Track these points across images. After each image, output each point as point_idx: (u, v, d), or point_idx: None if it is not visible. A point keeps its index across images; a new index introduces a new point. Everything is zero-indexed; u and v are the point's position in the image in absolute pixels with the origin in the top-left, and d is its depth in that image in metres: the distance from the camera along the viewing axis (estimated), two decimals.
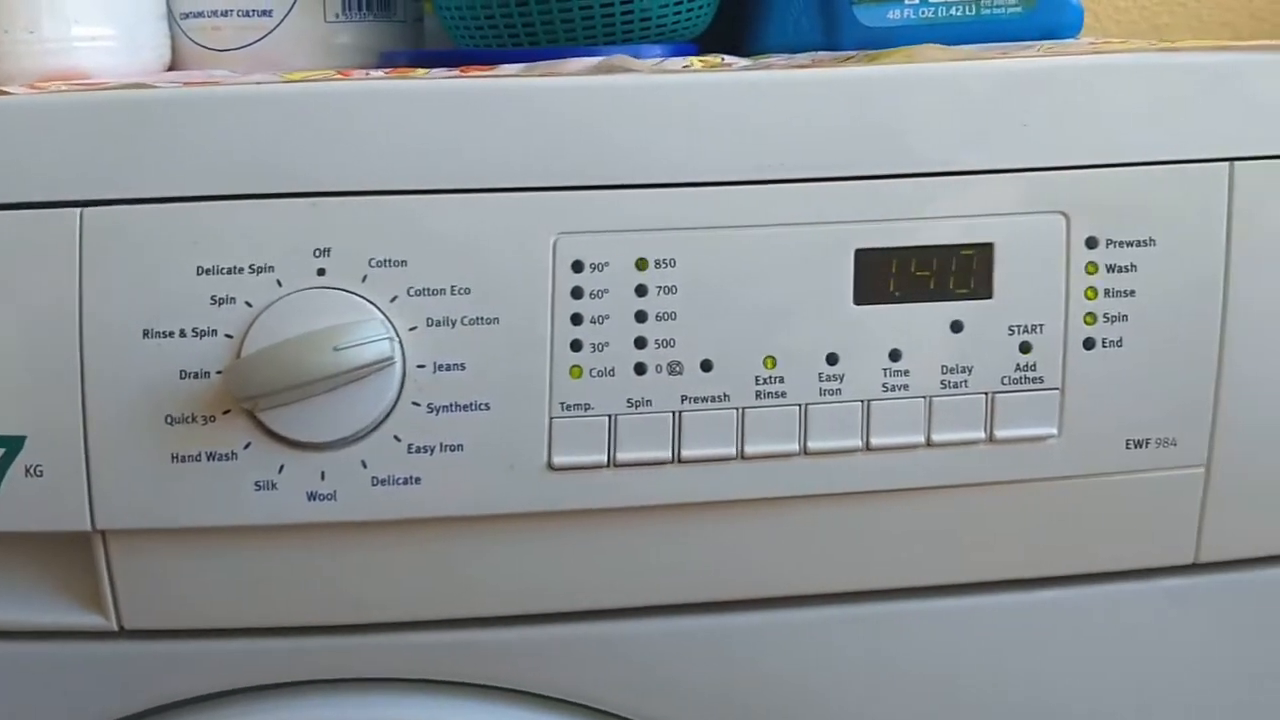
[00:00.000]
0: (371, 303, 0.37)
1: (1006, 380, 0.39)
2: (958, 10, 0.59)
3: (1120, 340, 0.39)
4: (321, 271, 0.37)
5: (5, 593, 0.39)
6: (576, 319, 0.38)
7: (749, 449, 0.38)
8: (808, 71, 0.39)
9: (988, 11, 0.59)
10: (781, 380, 0.38)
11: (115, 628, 0.39)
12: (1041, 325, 0.39)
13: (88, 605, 0.39)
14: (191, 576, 0.39)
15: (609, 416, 0.38)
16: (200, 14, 0.59)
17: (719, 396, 0.38)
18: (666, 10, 0.56)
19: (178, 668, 0.40)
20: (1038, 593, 0.41)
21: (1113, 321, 0.39)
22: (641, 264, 0.38)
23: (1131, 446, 0.40)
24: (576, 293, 0.38)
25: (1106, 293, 0.39)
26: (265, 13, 0.59)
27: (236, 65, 0.58)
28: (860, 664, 0.41)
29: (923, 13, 0.59)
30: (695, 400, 0.38)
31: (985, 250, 0.39)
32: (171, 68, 0.59)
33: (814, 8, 0.59)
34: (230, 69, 0.58)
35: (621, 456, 0.38)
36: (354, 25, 0.61)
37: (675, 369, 0.38)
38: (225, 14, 0.59)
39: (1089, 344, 0.39)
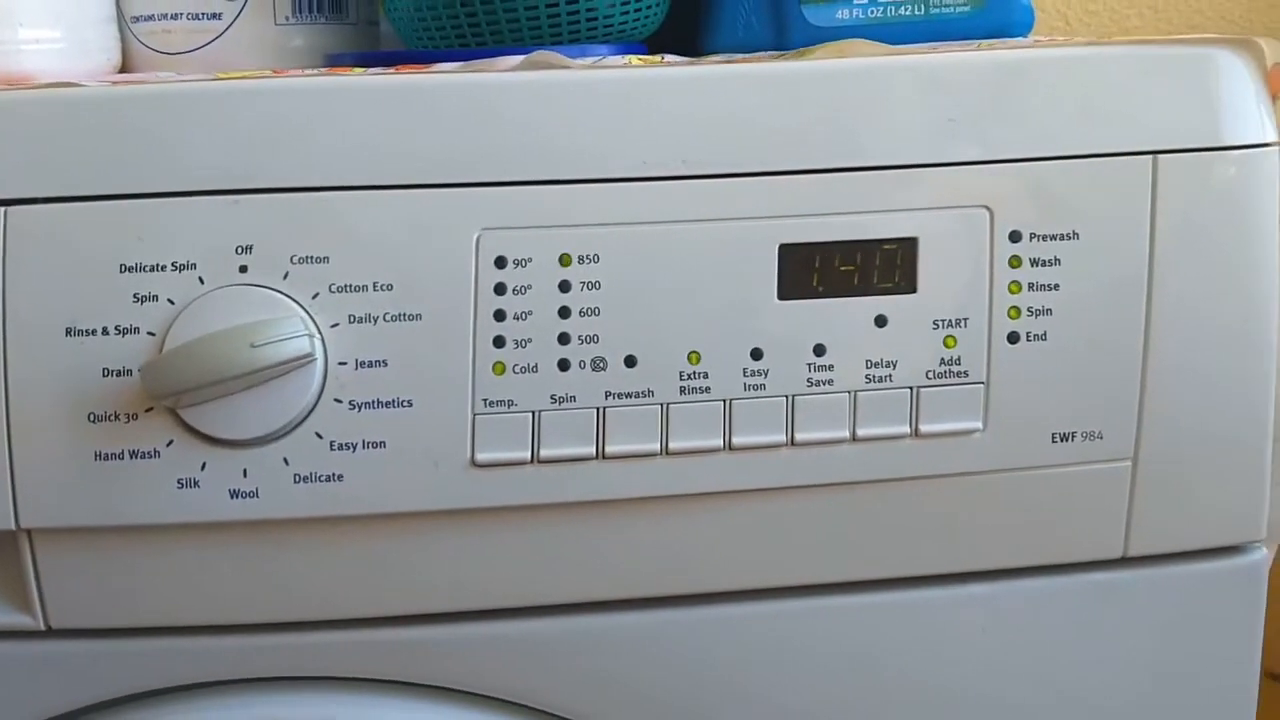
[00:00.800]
0: (293, 299, 0.37)
1: (931, 375, 0.39)
2: (907, 9, 0.59)
3: (1044, 334, 0.39)
4: (243, 269, 0.37)
5: None
6: (499, 315, 0.38)
7: (673, 445, 0.38)
8: (733, 67, 0.39)
9: (936, 11, 0.59)
10: (705, 376, 0.38)
11: (43, 627, 0.39)
12: (966, 319, 0.39)
13: (15, 605, 0.39)
14: (118, 575, 0.39)
15: (532, 413, 0.38)
16: (150, 17, 0.59)
17: (643, 392, 0.38)
18: (614, 10, 0.56)
19: (107, 667, 0.40)
20: (968, 587, 0.41)
21: (1037, 315, 0.39)
22: (565, 260, 0.38)
23: (1057, 440, 0.40)
24: (499, 289, 0.38)
25: (1030, 286, 0.39)
26: (215, 15, 0.59)
27: (187, 68, 0.58)
28: (785, 658, 0.41)
29: (871, 12, 0.59)
30: (619, 396, 0.38)
31: (909, 245, 0.39)
32: (123, 71, 0.59)
33: (764, 8, 0.59)
34: (180, 72, 0.58)
35: (545, 453, 0.38)
36: (305, 28, 0.61)
37: (599, 365, 0.38)
38: (175, 17, 0.59)
39: (1013, 338, 0.39)
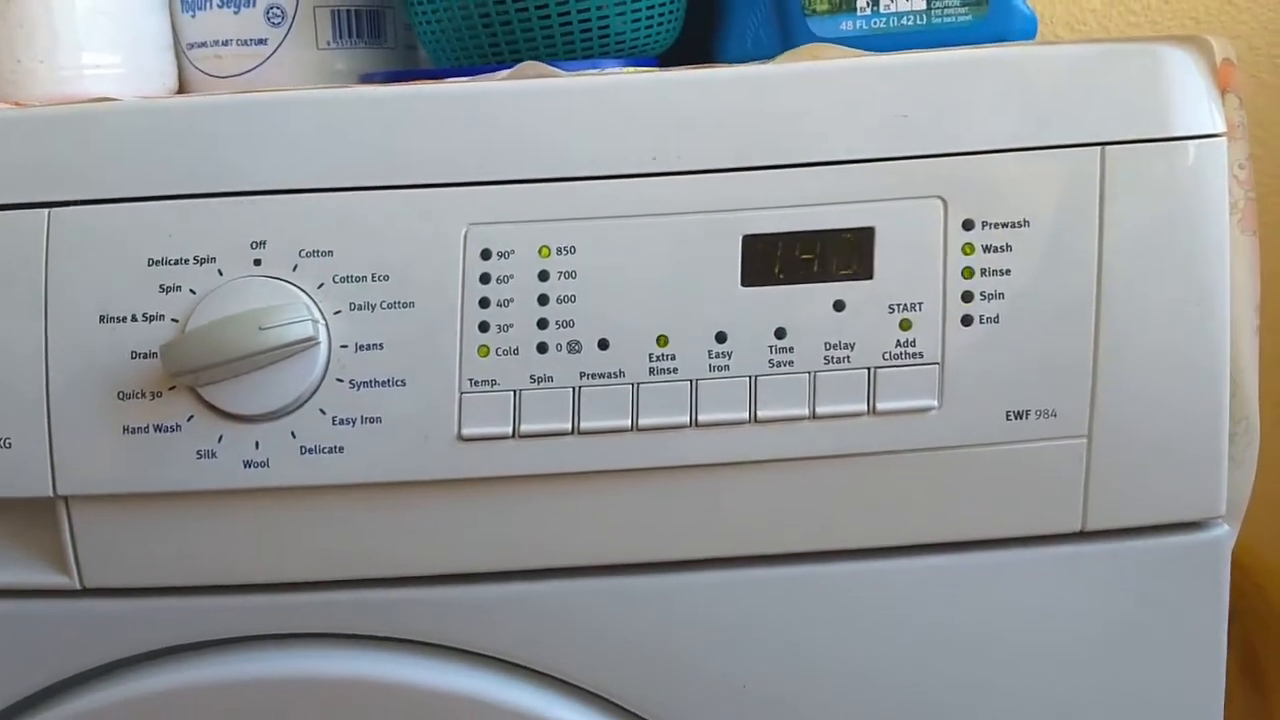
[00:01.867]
0: (301, 289, 0.41)
1: (887, 356, 0.41)
2: (909, 20, 0.62)
3: (996, 316, 0.41)
4: (258, 262, 0.41)
5: None
6: (484, 302, 0.41)
7: (642, 421, 0.41)
8: (698, 72, 0.42)
9: (938, 21, 0.61)
10: (673, 358, 0.41)
11: (78, 586, 0.43)
12: (921, 303, 0.41)
13: (52, 565, 0.43)
14: (145, 539, 0.43)
15: (514, 391, 0.41)
16: (204, 44, 0.64)
17: (615, 373, 0.41)
18: (627, 27, 0.59)
19: (135, 623, 0.44)
20: (929, 558, 0.43)
21: (989, 299, 0.41)
22: (544, 251, 0.41)
23: (1012, 418, 0.42)
24: (485, 278, 0.41)
25: (983, 272, 0.41)
26: (261, 41, 0.64)
27: (237, 91, 0.63)
28: (743, 624, 0.44)
29: (874, 23, 0.62)
30: (593, 376, 0.41)
31: (866, 234, 0.41)
32: (179, 93, 0.65)
33: (771, 21, 0.62)
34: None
35: (525, 428, 0.41)
36: (346, 52, 0.65)
37: (574, 348, 0.41)
38: (226, 43, 0.64)
39: (966, 321, 0.41)
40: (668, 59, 0.62)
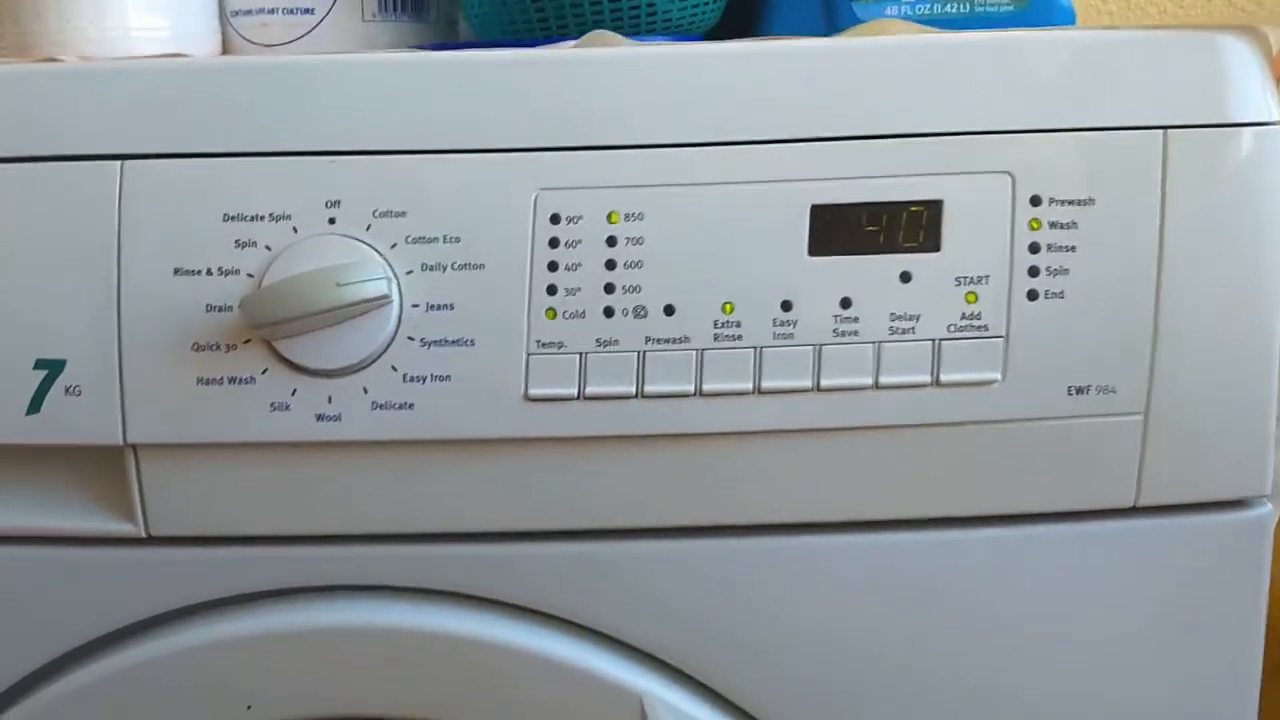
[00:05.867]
0: (374, 248, 0.42)
1: (952, 328, 0.42)
2: (952, 7, 0.62)
3: (1061, 292, 0.42)
4: (332, 220, 0.42)
5: (45, 502, 0.44)
6: (553, 266, 0.42)
7: (706, 387, 0.42)
8: (769, 44, 0.43)
9: (981, 9, 0.62)
10: (738, 325, 0.42)
11: (144, 535, 0.44)
12: (987, 277, 0.42)
13: (119, 514, 0.44)
14: (213, 488, 0.43)
15: (579, 354, 0.42)
16: (250, 11, 0.64)
17: (680, 338, 0.42)
18: (670, 5, 0.60)
19: (199, 572, 0.44)
20: (985, 530, 0.44)
21: (1054, 274, 0.42)
22: (613, 217, 0.42)
23: (1073, 393, 0.42)
24: (553, 243, 0.42)
25: (1049, 248, 0.42)
26: (308, 10, 0.64)
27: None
28: (801, 589, 0.44)
29: (918, 9, 0.63)
30: (658, 341, 0.42)
31: (935, 206, 0.42)
32: None
33: (815, 4, 0.63)
34: None
35: (590, 390, 0.42)
36: (390, 25, 0.66)
37: (640, 313, 0.42)
38: (272, 11, 0.64)
39: (1032, 295, 0.42)
40: (708, 39, 0.62)
